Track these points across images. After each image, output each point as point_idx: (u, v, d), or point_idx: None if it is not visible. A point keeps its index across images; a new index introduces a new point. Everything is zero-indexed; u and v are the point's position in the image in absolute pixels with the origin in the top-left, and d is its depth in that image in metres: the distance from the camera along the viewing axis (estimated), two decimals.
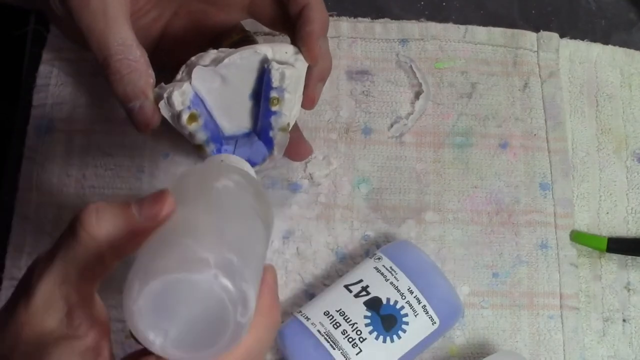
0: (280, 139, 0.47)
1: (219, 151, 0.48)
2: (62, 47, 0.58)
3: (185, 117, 0.45)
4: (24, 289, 0.35)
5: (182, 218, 0.35)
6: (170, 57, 0.51)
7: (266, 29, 0.53)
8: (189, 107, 0.45)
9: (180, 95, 0.44)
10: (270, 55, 0.46)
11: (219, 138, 0.48)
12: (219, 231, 0.34)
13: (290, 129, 0.48)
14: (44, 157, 0.55)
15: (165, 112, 0.45)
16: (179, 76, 0.46)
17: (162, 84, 0.45)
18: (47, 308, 0.34)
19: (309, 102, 0.48)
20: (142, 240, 0.35)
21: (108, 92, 0.56)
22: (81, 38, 0.46)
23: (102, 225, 0.34)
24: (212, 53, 0.46)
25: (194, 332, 0.32)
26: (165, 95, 0.44)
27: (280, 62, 0.46)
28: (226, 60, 0.45)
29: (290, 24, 0.48)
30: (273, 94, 0.46)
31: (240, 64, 0.46)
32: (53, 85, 0.57)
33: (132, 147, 0.56)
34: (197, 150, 0.48)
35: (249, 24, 0.54)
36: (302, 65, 0.47)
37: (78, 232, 0.34)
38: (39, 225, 0.54)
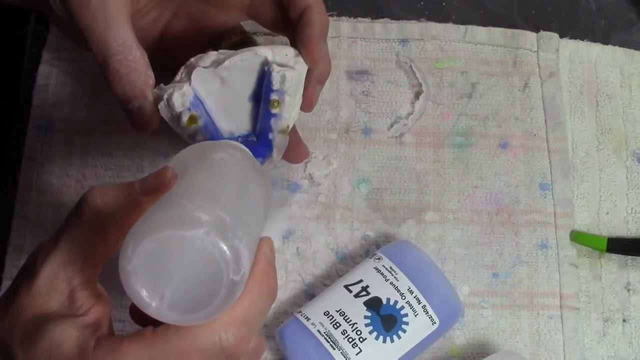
0: (279, 141, 0.47)
1: None
2: (62, 47, 0.58)
3: (185, 118, 0.45)
4: (27, 273, 0.36)
5: (180, 187, 0.35)
6: (169, 57, 0.51)
7: (266, 30, 0.53)
8: (189, 109, 0.45)
9: (180, 96, 0.44)
10: (270, 58, 0.46)
11: (218, 140, 0.48)
12: (214, 192, 0.35)
13: (289, 131, 0.48)
14: (44, 157, 0.55)
15: (165, 114, 0.45)
16: (178, 77, 0.46)
17: (162, 85, 0.45)
18: (49, 290, 0.35)
19: (307, 104, 0.48)
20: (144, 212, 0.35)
21: (108, 92, 0.56)
22: (81, 38, 0.46)
23: (105, 200, 0.36)
24: (212, 55, 0.46)
25: (189, 292, 0.32)
26: (165, 96, 0.44)
27: (280, 65, 0.46)
28: (226, 62, 0.45)
29: (290, 27, 0.48)
30: (273, 96, 0.46)
31: (240, 66, 0.46)
32: (53, 85, 0.57)
33: (132, 147, 0.56)
34: None
35: (249, 25, 0.54)
36: (302, 67, 0.47)
37: (83, 209, 0.36)
38: (39, 225, 0.54)
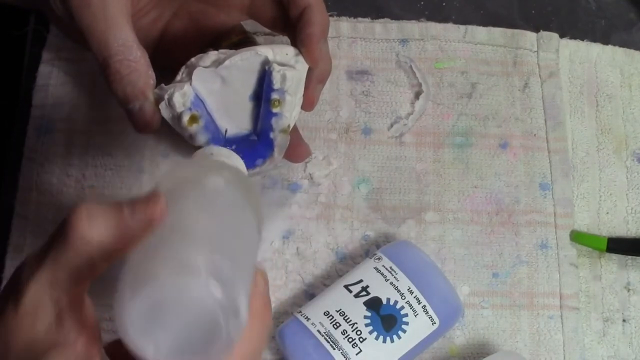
0: (280, 140, 0.47)
1: None
2: (62, 47, 0.58)
3: (186, 118, 0.45)
4: (13, 291, 0.34)
5: (173, 222, 0.34)
6: (170, 57, 0.51)
7: (266, 30, 0.53)
8: (189, 109, 0.45)
9: (181, 96, 0.44)
10: (271, 57, 0.46)
11: (219, 139, 0.48)
12: (210, 236, 0.34)
13: (290, 130, 0.48)
14: (44, 157, 0.55)
15: (166, 114, 0.45)
16: (178, 77, 0.46)
17: (162, 85, 0.45)
18: (37, 312, 0.34)
19: (308, 103, 0.48)
20: (133, 243, 0.34)
21: (108, 92, 0.56)
22: (81, 38, 0.45)
23: (93, 228, 0.33)
24: (213, 54, 0.46)
25: (186, 340, 0.32)
26: (166, 96, 0.44)
27: (281, 64, 0.46)
28: (227, 62, 0.45)
29: (290, 26, 0.48)
30: (274, 95, 0.46)
31: (241, 66, 0.46)
32: (53, 85, 0.57)
33: (132, 147, 0.56)
34: None
35: (249, 25, 0.54)
36: (302, 67, 0.47)
37: (69, 234, 0.33)
38: (39, 225, 0.54)
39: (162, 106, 0.45)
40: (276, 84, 0.45)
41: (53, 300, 0.34)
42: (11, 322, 0.34)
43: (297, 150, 0.52)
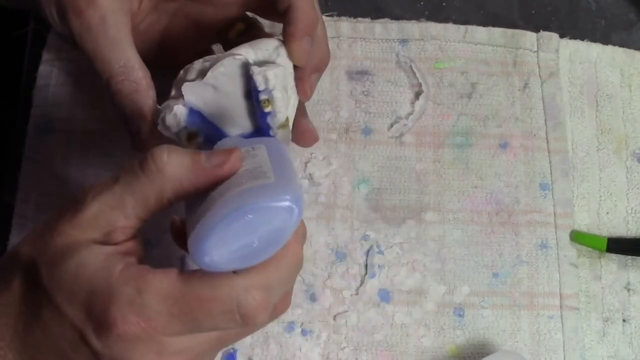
0: (281, 135, 0.47)
1: None
2: (62, 47, 0.58)
3: (183, 137, 0.45)
4: (74, 205, 0.37)
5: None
6: (172, 57, 0.51)
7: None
8: (185, 127, 0.45)
9: (172, 118, 0.44)
10: (252, 57, 0.45)
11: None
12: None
13: (291, 122, 0.48)
14: (44, 157, 0.55)
15: (166, 134, 0.45)
16: (172, 93, 0.46)
17: (158, 106, 0.45)
18: (90, 225, 0.37)
19: (302, 94, 0.48)
20: (204, 186, 0.37)
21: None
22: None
23: (171, 161, 0.37)
24: (197, 64, 0.46)
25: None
26: (159, 119, 0.44)
27: (261, 63, 0.46)
28: (209, 74, 0.45)
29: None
30: (262, 96, 0.46)
31: (225, 72, 0.45)
32: (53, 85, 0.57)
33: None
34: None
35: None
36: (285, 59, 0.46)
37: (148, 164, 0.37)
38: None
39: (160, 128, 0.45)
40: (260, 86, 0.45)
41: (109, 222, 0.37)
42: (61, 227, 0.37)
43: (305, 135, 0.51)
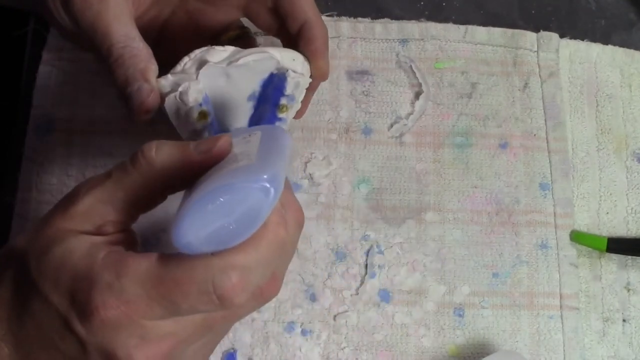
0: None
1: None
2: (62, 47, 0.58)
3: (195, 114, 0.44)
4: (68, 199, 0.38)
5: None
6: (169, 54, 0.51)
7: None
8: (200, 104, 0.44)
9: (195, 92, 0.44)
10: (279, 60, 0.46)
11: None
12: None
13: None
14: (44, 157, 0.55)
15: (170, 106, 0.44)
16: (179, 67, 0.45)
17: (169, 75, 0.45)
18: (82, 218, 0.37)
19: (300, 113, 0.49)
20: (194, 176, 0.37)
21: (109, 93, 0.56)
22: (84, 42, 0.46)
23: (160, 154, 0.38)
24: (220, 49, 0.46)
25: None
26: (180, 89, 0.44)
27: (290, 69, 0.46)
28: (241, 61, 0.44)
29: (284, 33, 0.48)
30: (283, 101, 0.45)
31: (252, 66, 0.45)
32: (53, 85, 0.57)
33: (132, 147, 0.56)
34: None
35: (246, 20, 0.54)
36: (307, 76, 0.47)
37: (138, 159, 0.38)
38: None
39: (170, 98, 0.44)
40: (288, 90, 0.45)
41: (101, 216, 0.38)
42: (53, 219, 0.38)
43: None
